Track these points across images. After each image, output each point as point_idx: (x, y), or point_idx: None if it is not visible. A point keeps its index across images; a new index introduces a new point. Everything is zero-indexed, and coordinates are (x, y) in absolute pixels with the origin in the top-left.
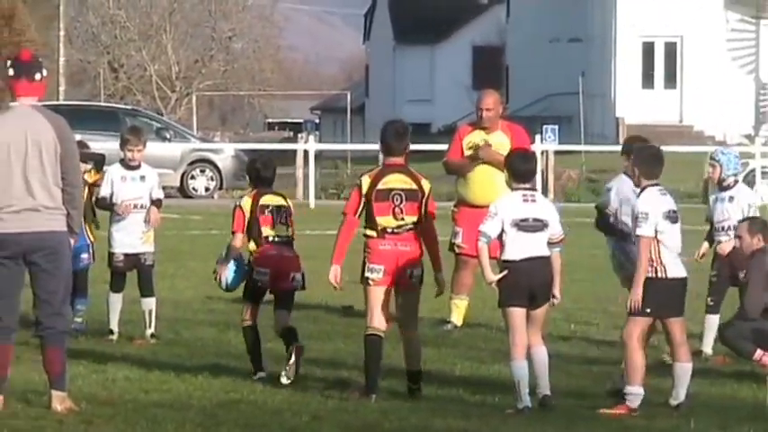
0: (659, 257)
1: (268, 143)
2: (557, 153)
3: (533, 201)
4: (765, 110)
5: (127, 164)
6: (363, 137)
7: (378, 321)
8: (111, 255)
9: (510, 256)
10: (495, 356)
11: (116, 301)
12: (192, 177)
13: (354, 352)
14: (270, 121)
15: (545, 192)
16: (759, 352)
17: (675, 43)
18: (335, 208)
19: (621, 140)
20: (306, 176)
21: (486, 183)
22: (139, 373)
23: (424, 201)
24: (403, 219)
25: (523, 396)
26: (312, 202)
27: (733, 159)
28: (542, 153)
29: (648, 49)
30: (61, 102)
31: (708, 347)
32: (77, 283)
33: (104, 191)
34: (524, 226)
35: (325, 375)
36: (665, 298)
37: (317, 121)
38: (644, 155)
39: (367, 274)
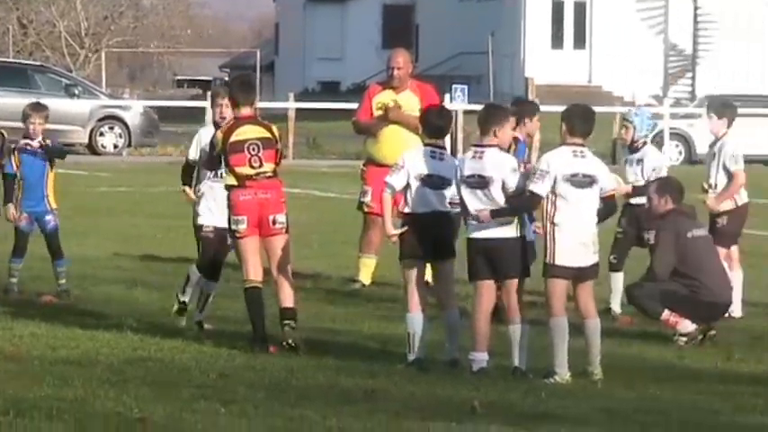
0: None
1: (177, 100)
2: (465, 112)
3: (441, 159)
4: (674, 71)
5: (219, 124)
6: (273, 95)
7: (253, 273)
8: (199, 227)
9: (413, 210)
10: (403, 315)
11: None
12: (101, 134)
13: (270, 310)
14: (179, 78)
15: (454, 151)
16: (667, 313)
17: (585, 4)
18: None
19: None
20: None
21: (396, 142)
22: (46, 329)
23: (280, 148)
24: (261, 166)
25: (415, 348)
26: None
27: (646, 120)
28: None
29: (558, 10)
30: None
31: (616, 306)
32: (52, 245)
33: (193, 153)
34: (429, 182)
35: (233, 333)
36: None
37: (227, 78)
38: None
39: (233, 226)
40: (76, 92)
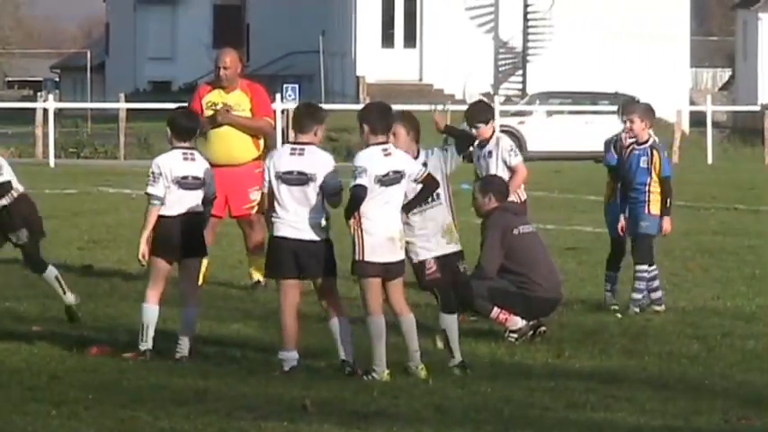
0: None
1: (7, 101)
2: None
3: (192, 159)
4: (505, 68)
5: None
6: (104, 95)
7: None
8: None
9: (167, 212)
10: (234, 315)
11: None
12: None
13: (94, 311)
14: (9, 79)
15: None
16: (496, 310)
17: (415, 2)
18: (75, 167)
19: (362, 99)
20: (45, 135)
21: (227, 141)
22: None
23: None
24: None
25: (148, 338)
26: (52, 160)
27: None
28: (282, 112)
29: (388, 9)
30: None
31: None
32: None
33: None
34: (184, 183)
35: (65, 335)
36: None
37: (57, 79)
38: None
39: None
40: None
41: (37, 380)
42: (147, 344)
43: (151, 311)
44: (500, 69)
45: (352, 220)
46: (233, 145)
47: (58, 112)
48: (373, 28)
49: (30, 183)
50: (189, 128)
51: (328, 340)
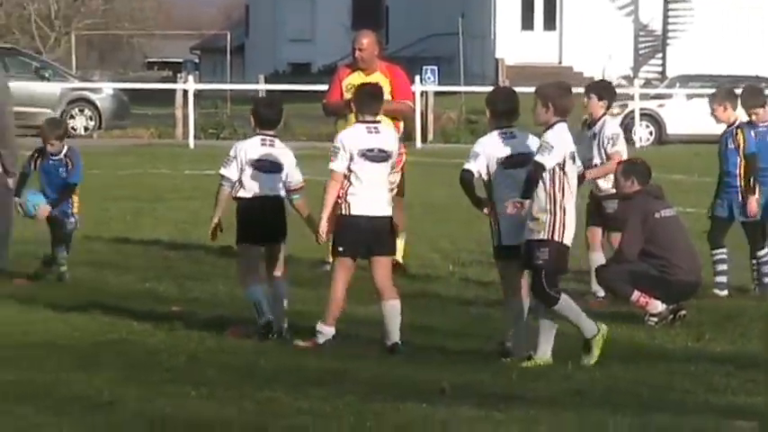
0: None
1: (148, 83)
2: (436, 94)
3: (271, 145)
4: (644, 51)
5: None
6: (243, 77)
7: None
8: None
9: (244, 195)
10: (371, 297)
11: None
12: (72, 117)
13: (232, 292)
14: (149, 60)
15: (425, 133)
16: (636, 293)
17: None
18: (214, 148)
19: (501, 81)
20: (185, 116)
21: None
22: (18, 313)
23: None
24: None
25: (264, 311)
26: (192, 142)
27: None
28: (422, 94)
29: None
30: None
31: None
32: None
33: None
34: (258, 165)
35: (204, 316)
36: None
37: (197, 60)
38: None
39: None
40: (47, 75)
41: (175, 360)
42: (264, 317)
43: (258, 290)
44: (640, 52)
45: (485, 209)
46: None
47: (198, 94)
48: (513, 10)
49: (170, 164)
50: (269, 117)
51: (466, 323)
